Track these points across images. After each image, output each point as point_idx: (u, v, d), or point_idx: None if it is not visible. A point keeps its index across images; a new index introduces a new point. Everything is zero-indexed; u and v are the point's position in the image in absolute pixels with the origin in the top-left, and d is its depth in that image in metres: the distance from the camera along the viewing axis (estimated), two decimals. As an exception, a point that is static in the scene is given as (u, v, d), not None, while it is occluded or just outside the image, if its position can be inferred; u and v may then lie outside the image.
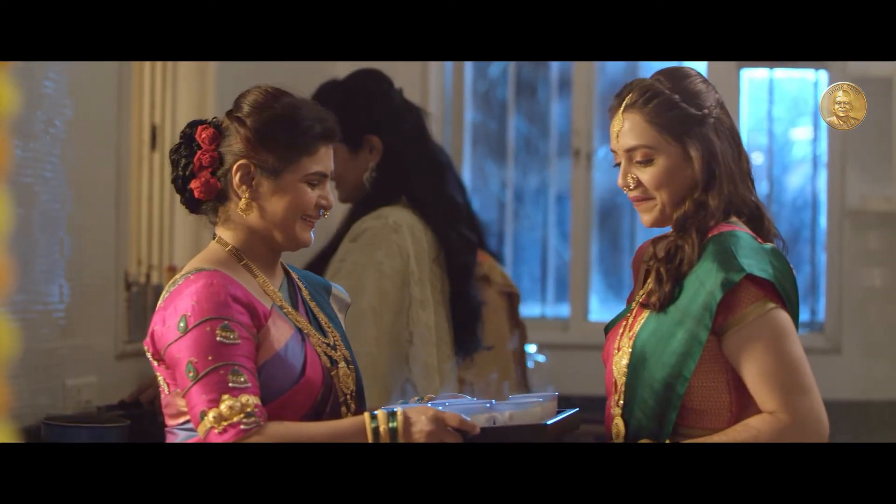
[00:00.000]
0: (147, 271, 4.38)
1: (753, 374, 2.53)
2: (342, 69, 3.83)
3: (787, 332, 2.55)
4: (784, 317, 2.56)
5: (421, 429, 2.43)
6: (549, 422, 2.54)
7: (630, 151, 2.65)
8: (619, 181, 2.68)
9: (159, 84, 4.43)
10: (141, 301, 4.10)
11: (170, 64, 4.46)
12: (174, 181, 2.63)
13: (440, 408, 2.50)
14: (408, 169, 3.53)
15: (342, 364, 2.63)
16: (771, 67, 5.75)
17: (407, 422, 2.43)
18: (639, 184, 2.66)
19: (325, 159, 2.61)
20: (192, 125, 2.62)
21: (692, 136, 2.63)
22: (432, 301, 3.49)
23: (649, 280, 2.66)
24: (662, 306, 2.60)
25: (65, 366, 3.64)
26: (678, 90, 2.65)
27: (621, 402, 2.64)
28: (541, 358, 4.82)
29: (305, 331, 2.60)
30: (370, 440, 2.44)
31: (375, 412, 2.46)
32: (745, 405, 2.57)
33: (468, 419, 2.46)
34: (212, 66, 4.46)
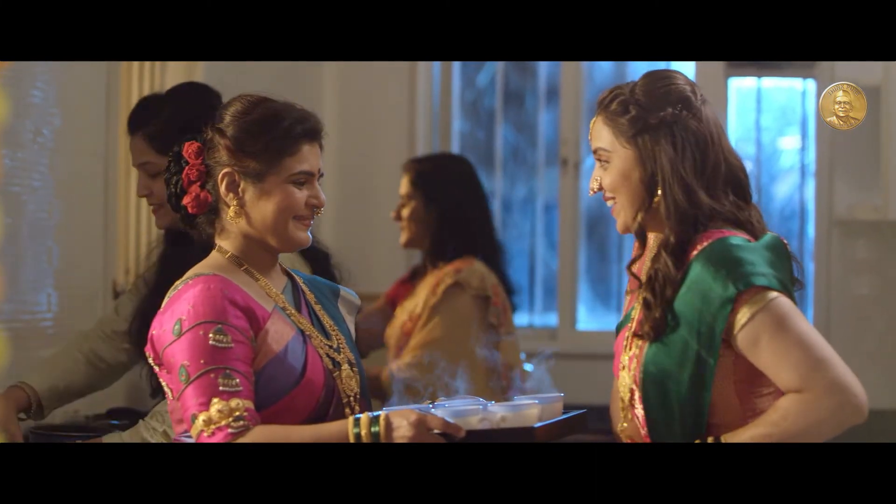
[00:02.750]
0: (135, 280, 4.37)
1: (768, 362, 2.50)
2: (329, 70, 3.82)
3: (790, 313, 2.52)
4: (785, 301, 2.53)
5: (403, 433, 2.43)
6: (538, 425, 2.52)
7: (595, 153, 2.68)
8: (590, 184, 2.70)
9: (147, 93, 4.43)
10: (129, 310, 4.08)
11: (157, 73, 4.45)
12: (169, 200, 2.67)
13: (444, 407, 2.52)
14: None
15: (345, 366, 2.65)
16: (759, 76, 5.75)
17: (389, 426, 2.44)
18: (601, 186, 2.67)
19: (309, 158, 2.62)
20: (180, 143, 2.66)
21: (639, 141, 2.60)
22: None
23: (637, 307, 2.64)
24: (657, 335, 2.57)
25: (53, 375, 3.62)
26: (642, 92, 2.62)
27: (624, 424, 2.63)
28: (528, 367, 4.82)
29: (307, 332, 2.63)
30: None
31: (359, 416, 2.47)
32: (754, 410, 2.56)
33: (452, 422, 2.47)
34: (199, 74, 4.46)
